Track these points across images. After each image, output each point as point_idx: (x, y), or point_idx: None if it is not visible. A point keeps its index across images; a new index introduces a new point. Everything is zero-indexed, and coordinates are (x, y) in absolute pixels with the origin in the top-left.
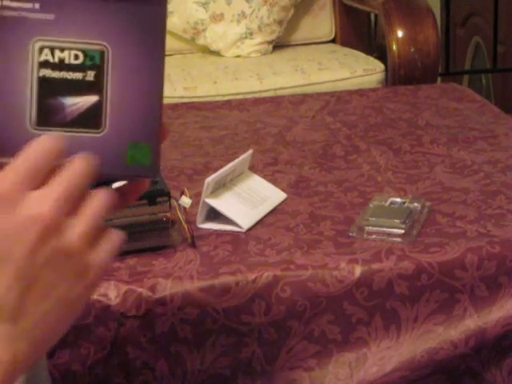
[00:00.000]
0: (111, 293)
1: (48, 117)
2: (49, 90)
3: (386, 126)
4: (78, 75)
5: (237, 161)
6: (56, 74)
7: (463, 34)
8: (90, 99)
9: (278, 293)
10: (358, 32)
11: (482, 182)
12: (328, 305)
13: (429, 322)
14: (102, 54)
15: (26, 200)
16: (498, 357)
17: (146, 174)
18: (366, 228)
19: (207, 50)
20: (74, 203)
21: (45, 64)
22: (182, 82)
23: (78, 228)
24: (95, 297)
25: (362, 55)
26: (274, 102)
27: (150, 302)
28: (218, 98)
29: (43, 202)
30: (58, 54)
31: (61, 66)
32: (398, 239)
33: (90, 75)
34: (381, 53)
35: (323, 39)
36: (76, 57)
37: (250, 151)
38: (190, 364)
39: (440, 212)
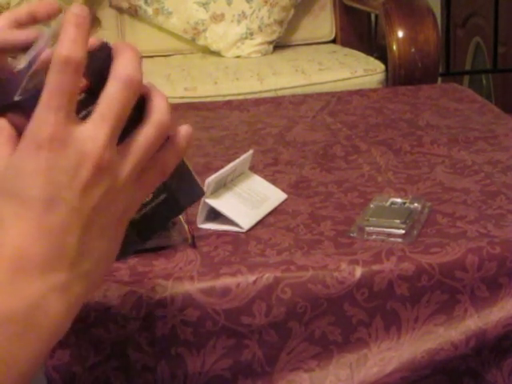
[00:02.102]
0: (111, 294)
1: None
2: None
3: (387, 126)
4: None
5: (237, 161)
6: None
7: (464, 35)
8: None
9: (278, 294)
10: (359, 32)
11: (483, 183)
12: (328, 306)
13: (429, 323)
14: None
15: (75, 137)
16: (499, 357)
17: None
18: (367, 228)
19: (207, 51)
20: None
21: None
22: (182, 82)
23: (128, 165)
24: (95, 299)
25: (362, 55)
26: (275, 103)
27: (151, 303)
28: (218, 99)
29: (94, 138)
30: None
31: None
32: (399, 239)
33: None
34: (381, 53)
35: (323, 39)
36: None
37: (251, 151)
38: (191, 366)
39: (440, 212)
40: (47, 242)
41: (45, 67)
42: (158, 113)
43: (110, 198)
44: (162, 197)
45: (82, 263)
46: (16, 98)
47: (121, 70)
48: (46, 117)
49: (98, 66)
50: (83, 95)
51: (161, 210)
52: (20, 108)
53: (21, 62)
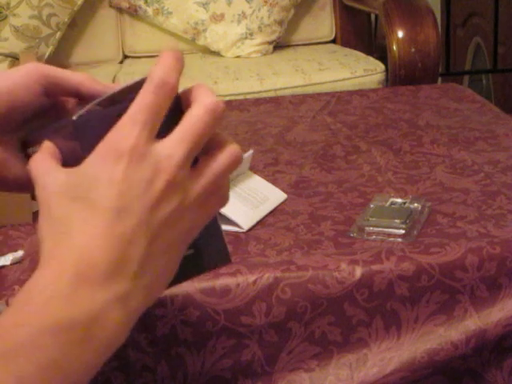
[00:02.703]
0: None
1: None
2: None
3: (387, 126)
4: None
5: None
6: None
7: (464, 35)
8: None
9: (278, 294)
10: (359, 32)
11: (483, 183)
12: (328, 306)
13: (429, 323)
14: None
15: (153, 153)
16: (499, 357)
17: None
18: (367, 228)
19: (207, 51)
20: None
21: None
22: (182, 82)
23: (198, 186)
24: None
25: (362, 55)
26: (275, 103)
27: None
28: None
29: (170, 156)
30: None
31: None
32: (399, 239)
33: None
34: (381, 53)
35: (323, 39)
36: None
37: (251, 151)
38: (191, 366)
39: (440, 212)
40: (113, 250)
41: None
42: (232, 145)
43: (178, 216)
44: (189, 251)
45: (145, 276)
46: (73, 117)
47: (204, 97)
48: (130, 129)
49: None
50: None
51: (183, 263)
52: (66, 131)
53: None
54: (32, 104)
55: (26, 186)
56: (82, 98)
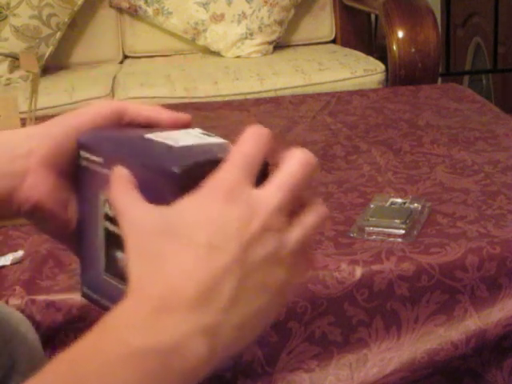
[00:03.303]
0: None
1: (112, 267)
2: (110, 242)
3: (387, 126)
4: None
5: None
6: (113, 228)
7: (464, 35)
8: None
9: None
10: (359, 32)
11: (483, 183)
12: (329, 306)
13: (429, 323)
14: None
15: (250, 196)
16: (499, 357)
17: None
18: (367, 228)
19: (207, 51)
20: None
21: (106, 217)
22: (182, 82)
23: (295, 234)
24: None
25: (362, 56)
26: (275, 103)
27: None
28: (218, 99)
29: (266, 201)
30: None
31: (116, 220)
32: (399, 239)
33: None
34: (381, 53)
35: (324, 40)
36: None
37: None
38: None
39: (440, 212)
40: (203, 282)
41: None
42: (322, 206)
43: (273, 262)
44: None
45: (235, 312)
46: (174, 170)
47: (299, 151)
48: (230, 171)
49: None
50: None
51: None
52: (151, 165)
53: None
54: None
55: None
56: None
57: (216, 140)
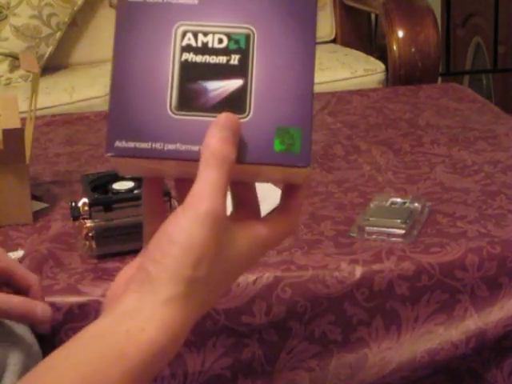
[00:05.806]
0: None
1: (189, 101)
2: (191, 74)
3: (387, 126)
4: (222, 59)
5: None
6: (199, 58)
7: (464, 35)
8: (234, 83)
9: (278, 294)
10: (359, 32)
11: (483, 182)
12: (329, 306)
13: (429, 323)
14: (247, 37)
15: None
16: (499, 357)
17: (295, 162)
18: (367, 228)
19: None
20: None
21: (187, 48)
22: None
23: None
24: (95, 298)
25: (362, 55)
26: None
27: None
28: None
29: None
30: (201, 38)
31: (204, 50)
32: (399, 239)
33: (235, 59)
34: (381, 53)
35: (324, 39)
36: (220, 41)
37: None
38: (191, 365)
39: (440, 212)
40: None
41: None
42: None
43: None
44: None
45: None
46: None
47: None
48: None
49: None
50: None
51: None
52: None
53: None
54: None
55: None
56: None
57: None
